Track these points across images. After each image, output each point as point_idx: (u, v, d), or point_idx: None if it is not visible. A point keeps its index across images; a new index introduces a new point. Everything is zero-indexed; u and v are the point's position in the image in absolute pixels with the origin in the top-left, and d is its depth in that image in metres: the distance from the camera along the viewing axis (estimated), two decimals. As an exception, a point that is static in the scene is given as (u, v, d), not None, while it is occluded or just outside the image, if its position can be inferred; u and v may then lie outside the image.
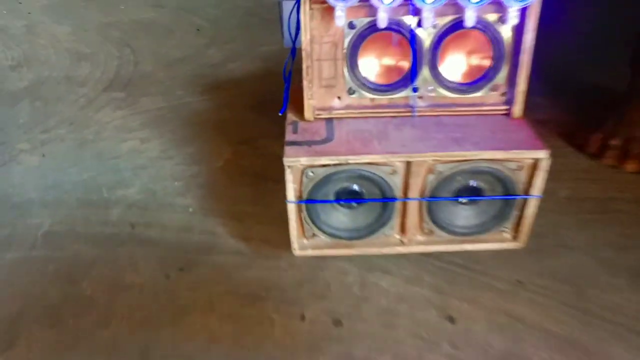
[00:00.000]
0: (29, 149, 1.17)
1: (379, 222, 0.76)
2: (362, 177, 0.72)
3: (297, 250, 0.78)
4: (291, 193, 0.72)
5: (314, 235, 0.77)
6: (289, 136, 0.74)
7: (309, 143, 0.72)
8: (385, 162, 0.70)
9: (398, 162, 0.71)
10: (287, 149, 0.71)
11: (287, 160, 0.70)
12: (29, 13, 1.96)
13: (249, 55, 1.58)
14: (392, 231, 0.77)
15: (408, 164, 0.71)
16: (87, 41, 1.72)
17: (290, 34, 0.75)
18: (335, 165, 0.70)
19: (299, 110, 0.77)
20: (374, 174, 0.71)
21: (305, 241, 0.78)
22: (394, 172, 0.72)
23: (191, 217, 0.94)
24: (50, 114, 1.30)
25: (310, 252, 0.78)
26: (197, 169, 1.07)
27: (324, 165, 0.70)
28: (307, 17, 0.70)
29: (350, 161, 0.70)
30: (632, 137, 1.03)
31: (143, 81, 1.46)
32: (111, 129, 1.23)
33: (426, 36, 0.73)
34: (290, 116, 0.78)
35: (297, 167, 0.70)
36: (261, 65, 1.51)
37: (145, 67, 1.54)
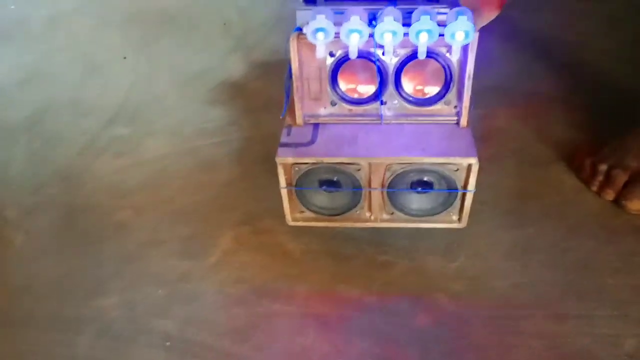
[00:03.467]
0: (15, 218, 1.00)
1: (352, 204, 1.00)
2: (336, 171, 0.96)
3: (290, 222, 1.03)
4: (283, 181, 0.96)
5: (302, 212, 1.02)
6: (284, 138, 0.98)
7: (296, 145, 0.95)
8: (352, 162, 0.93)
9: (362, 162, 0.93)
10: (280, 150, 0.95)
11: (279, 159, 0.94)
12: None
13: (273, 68, 1.30)
14: (362, 210, 1.01)
15: (370, 164, 0.93)
16: (105, 42, 1.48)
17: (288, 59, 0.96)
18: (314, 163, 0.94)
19: (294, 116, 1.00)
20: (345, 169, 0.95)
21: (297, 215, 1.03)
22: (360, 169, 0.94)
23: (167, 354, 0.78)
24: (45, 160, 1.12)
25: (300, 223, 1.04)
26: (188, 266, 0.91)
27: (306, 163, 0.94)
28: (295, 48, 0.91)
29: (324, 161, 0.93)
30: (620, 164, 0.98)
31: (152, 109, 1.26)
32: (104, 190, 1.05)
33: (391, 62, 0.93)
34: (287, 120, 1.02)
35: (287, 163, 0.95)
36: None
37: (158, 87, 1.33)
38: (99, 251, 0.96)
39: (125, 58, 1.45)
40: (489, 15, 1.17)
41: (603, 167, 1.00)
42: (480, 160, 0.90)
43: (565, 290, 0.86)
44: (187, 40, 1.52)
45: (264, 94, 1.33)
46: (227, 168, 1.14)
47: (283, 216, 0.99)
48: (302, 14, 0.89)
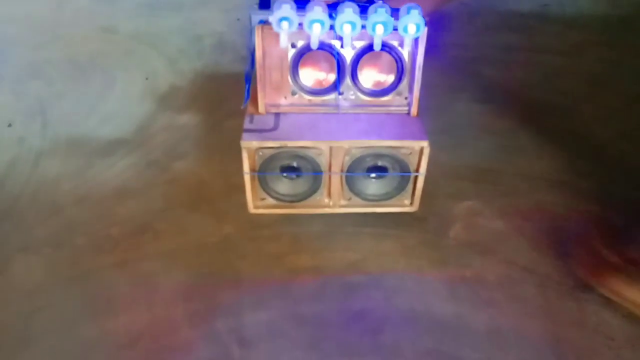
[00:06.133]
0: None
1: (312, 190, 1.04)
2: (298, 156, 1.00)
3: (251, 209, 1.05)
4: (246, 167, 0.99)
5: (264, 199, 1.05)
6: (247, 125, 1.01)
7: (260, 131, 0.99)
8: (314, 146, 0.98)
9: (323, 146, 0.98)
10: (244, 135, 0.98)
11: (243, 144, 0.97)
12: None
13: (207, 141, 1.05)
14: (322, 196, 1.06)
15: (330, 148, 0.99)
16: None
17: (250, 49, 1.01)
18: (278, 147, 0.98)
19: (256, 105, 1.04)
20: (306, 154, 0.99)
21: (258, 202, 1.06)
22: (321, 154, 0.99)
23: None
24: None
25: (261, 211, 1.06)
26: None
27: (270, 147, 0.98)
28: (260, 38, 0.96)
29: (288, 145, 0.97)
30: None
31: (34, 204, 0.91)
32: None
33: (348, 54, 1.00)
34: (249, 109, 1.05)
35: (251, 148, 0.98)
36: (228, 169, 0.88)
37: (48, 167, 0.99)
38: None
39: (10, 125, 1.10)
40: None
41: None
42: (485, 284, 0.75)
43: None
44: (97, 100, 1.17)
45: (191, 180, 1.00)
46: (132, 312, 0.77)
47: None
48: (256, 17, 0.96)
